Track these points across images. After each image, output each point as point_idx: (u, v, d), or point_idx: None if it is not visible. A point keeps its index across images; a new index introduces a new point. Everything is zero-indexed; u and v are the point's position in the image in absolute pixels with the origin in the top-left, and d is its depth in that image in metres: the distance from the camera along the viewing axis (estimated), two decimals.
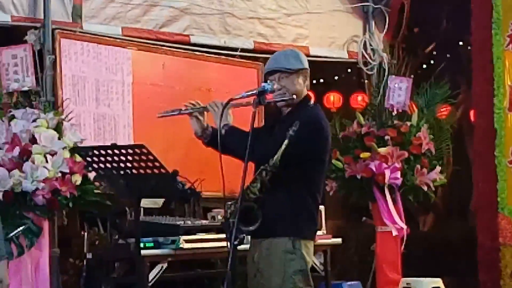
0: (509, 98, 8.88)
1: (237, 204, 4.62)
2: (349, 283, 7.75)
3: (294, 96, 4.96)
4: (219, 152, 4.80)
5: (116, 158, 5.41)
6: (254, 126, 4.77)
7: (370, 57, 8.50)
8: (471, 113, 12.22)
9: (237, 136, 4.88)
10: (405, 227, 8.08)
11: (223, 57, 7.71)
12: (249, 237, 4.96)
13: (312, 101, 5.11)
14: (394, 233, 8.03)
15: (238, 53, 7.80)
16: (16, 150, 6.07)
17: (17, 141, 6.09)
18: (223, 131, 4.90)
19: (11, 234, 5.38)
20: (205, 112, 5.09)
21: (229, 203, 4.73)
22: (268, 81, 4.98)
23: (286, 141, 4.66)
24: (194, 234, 6.41)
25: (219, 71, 7.60)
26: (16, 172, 6.01)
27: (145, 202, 6.05)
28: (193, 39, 7.51)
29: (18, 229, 5.55)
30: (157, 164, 5.30)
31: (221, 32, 7.69)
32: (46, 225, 6.22)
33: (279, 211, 4.81)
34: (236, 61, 7.80)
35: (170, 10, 7.38)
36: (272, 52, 7.76)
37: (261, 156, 4.73)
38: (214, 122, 5.07)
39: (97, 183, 6.30)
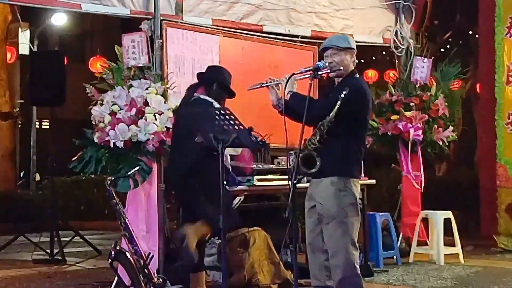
0: (507, 75, 8.77)
1: (298, 153, 4.58)
2: (380, 213, 7.70)
3: (341, 68, 4.84)
4: (284, 115, 4.73)
5: None
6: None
7: (400, 43, 8.40)
8: (477, 86, 12.00)
9: (299, 98, 4.77)
10: (419, 173, 8.03)
11: (287, 42, 7.65)
12: (305, 178, 4.90)
13: (357, 74, 5.01)
14: (412, 180, 8.03)
15: (299, 39, 7.73)
16: (133, 110, 6.11)
17: (134, 103, 6.12)
18: (288, 96, 4.82)
19: (129, 172, 5.41)
20: (280, 86, 4.98)
21: (291, 152, 4.67)
22: (324, 56, 4.88)
23: (339, 102, 4.57)
24: (264, 175, 6.41)
25: (284, 52, 7.52)
26: (133, 126, 6.06)
27: (228, 150, 6.00)
28: (265, 28, 7.47)
29: (134, 169, 5.53)
30: (237, 122, 5.25)
31: (286, 23, 7.63)
32: (155, 166, 6.25)
33: (333, 157, 4.71)
34: (297, 45, 7.71)
35: (248, 6, 7.34)
36: (325, 39, 7.71)
37: (318, 113, 4.65)
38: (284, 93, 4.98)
39: None
